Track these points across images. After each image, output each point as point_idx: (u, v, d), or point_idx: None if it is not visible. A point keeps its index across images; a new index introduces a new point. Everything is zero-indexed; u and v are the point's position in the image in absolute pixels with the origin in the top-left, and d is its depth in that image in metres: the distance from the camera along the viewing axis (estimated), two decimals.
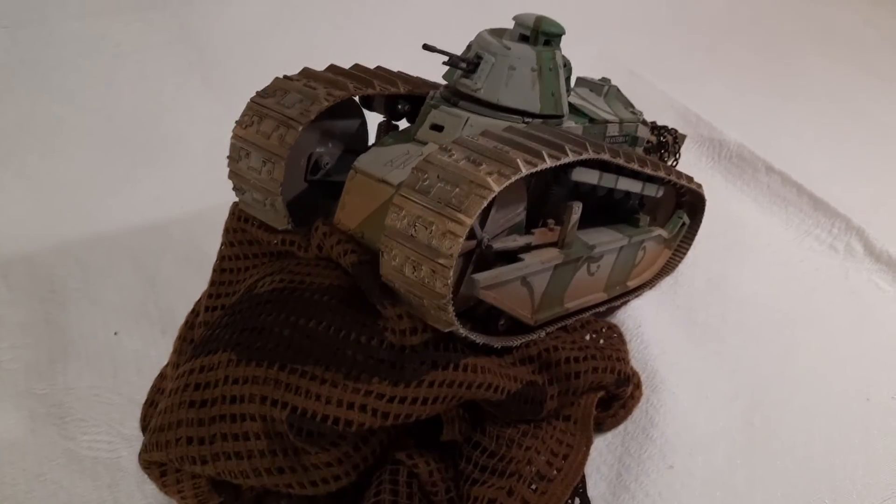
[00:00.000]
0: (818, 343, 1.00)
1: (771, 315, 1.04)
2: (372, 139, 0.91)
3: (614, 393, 0.85)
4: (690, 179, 1.04)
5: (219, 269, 0.86)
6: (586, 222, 0.86)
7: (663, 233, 1.03)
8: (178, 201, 1.18)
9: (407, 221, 0.67)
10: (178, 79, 1.32)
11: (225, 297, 0.84)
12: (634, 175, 0.89)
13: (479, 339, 0.74)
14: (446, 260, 0.65)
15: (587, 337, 0.88)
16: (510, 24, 0.85)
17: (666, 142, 1.26)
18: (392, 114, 0.90)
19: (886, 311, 1.08)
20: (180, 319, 0.89)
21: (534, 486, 0.74)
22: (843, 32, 2.00)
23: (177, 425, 0.71)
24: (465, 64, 0.81)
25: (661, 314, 1.03)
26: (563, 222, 0.81)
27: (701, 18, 1.93)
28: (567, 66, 0.88)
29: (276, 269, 0.80)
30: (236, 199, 0.84)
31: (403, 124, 0.91)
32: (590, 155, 0.76)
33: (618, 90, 1.08)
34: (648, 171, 0.89)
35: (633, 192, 0.91)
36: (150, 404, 0.86)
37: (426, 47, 0.77)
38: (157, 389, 0.87)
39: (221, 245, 0.87)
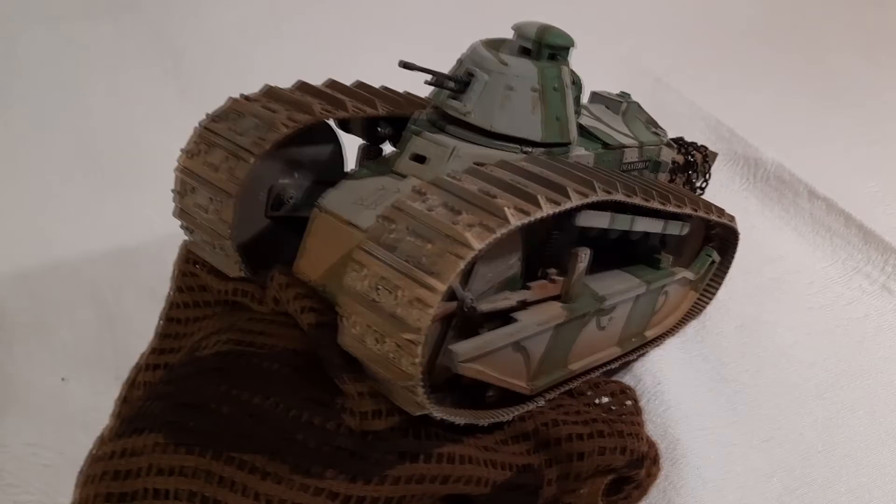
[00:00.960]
0: (869, 408, 0.88)
1: (813, 372, 0.92)
2: (351, 166, 0.78)
3: (626, 476, 0.72)
4: (722, 212, 0.90)
5: (166, 318, 0.76)
6: (597, 265, 0.74)
7: (688, 274, 0.90)
8: (147, 226, 1.07)
9: (369, 283, 0.55)
10: (151, 89, 1.20)
11: (170, 354, 0.73)
12: (655, 212, 0.76)
13: (461, 418, 0.61)
14: (413, 335, 0.52)
15: (596, 403, 0.75)
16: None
17: (694, 161, 1.13)
18: (372, 137, 0.78)
19: None
20: None
21: None
22: None
23: None
24: (453, 83, 0.69)
25: (685, 369, 0.90)
26: (568, 272, 0.68)
27: (737, 21, 1.78)
28: (577, 83, 0.76)
29: (226, 325, 0.69)
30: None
31: (390, 147, 0.79)
32: (598, 197, 0.63)
33: (639, 107, 0.95)
34: (671, 208, 0.75)
35: (652, 232, 0.77)
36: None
37: (403, 64, 0.64)
38: (93, 458, 0.75)
39: (170, 290, 0.76)
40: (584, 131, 0.81)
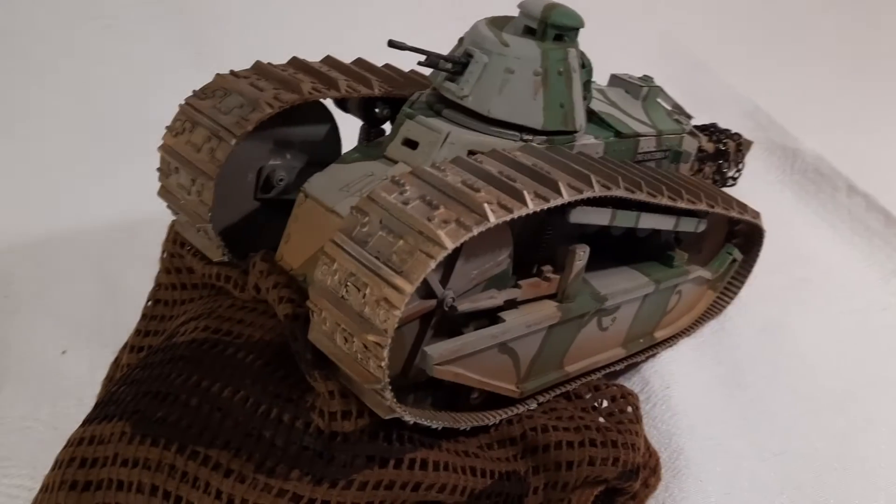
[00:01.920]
0: (892, 424, 0.83)
1: (834, 382, 0.87)
2: (349, 146, 0.75)
3: (619, 487, 0.68)
4: (745, 208, 0.84)
5: (153, 300, 0.74)
6: (606, 261, 0.70)
7: (705, 273, 0.85)
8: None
9: (338, 278, 0.52)
10: (164, 58, 1.18)
11: (153, 336, 0.71)
12: (666, 208, 0.71)
13: (438, 422, 0.58)
14: (379, 337, 0.49)
15: (593, 408, 0.71)
16: None
17: (726, 150, 1.06)
18: (370, 118, 0.75)
19: None
20: None
21: None
22: None
23: None
24: (450, 64, 0.64)
25: (698, 373, 0.85)
26: (564, 269, 0.64)
27: None
28: (587, 67, 0.71)
29: (206, 310, 0.67)
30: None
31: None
32: (594, 192, 0.58)
33: (661, 91, 0.89)
34: (683, 204, 0.70)
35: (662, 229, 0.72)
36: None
37: (391, 44, 0.60)
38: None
39: (158, 270, 0.74)
40: (595, 118, 0.76)
